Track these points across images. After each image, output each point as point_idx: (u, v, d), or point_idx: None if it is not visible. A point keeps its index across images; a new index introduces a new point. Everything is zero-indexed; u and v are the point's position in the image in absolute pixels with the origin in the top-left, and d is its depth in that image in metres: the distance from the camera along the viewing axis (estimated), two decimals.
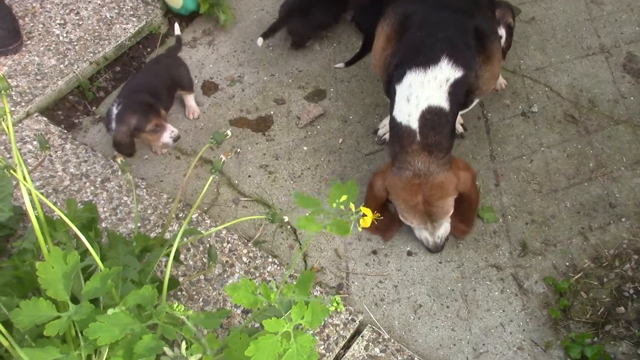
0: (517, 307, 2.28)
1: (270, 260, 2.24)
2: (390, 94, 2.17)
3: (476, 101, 2.27)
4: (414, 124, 2.05)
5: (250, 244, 2.29)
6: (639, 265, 2.36)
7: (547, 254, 2.40)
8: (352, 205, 1.23)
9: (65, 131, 2.58)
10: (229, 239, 2.28)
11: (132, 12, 2.93)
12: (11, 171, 1.47)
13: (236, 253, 2.24)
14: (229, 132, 1.85)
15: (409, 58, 2.10)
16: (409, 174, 2.08)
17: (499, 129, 2.71)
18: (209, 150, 2.59)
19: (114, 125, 2.34)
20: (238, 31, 2.99)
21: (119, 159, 1.97)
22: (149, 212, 2.32)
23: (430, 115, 2.04)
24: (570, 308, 2.27)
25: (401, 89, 2.09)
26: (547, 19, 3.07)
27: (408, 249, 2.40)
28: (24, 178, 1.48)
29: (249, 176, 2.55)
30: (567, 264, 2.38)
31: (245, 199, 2.50)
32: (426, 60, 2.05)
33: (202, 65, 2.89)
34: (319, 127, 2.71)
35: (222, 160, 1.83)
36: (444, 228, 2.28)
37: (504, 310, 2.28)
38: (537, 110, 2.75)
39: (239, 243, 2.27)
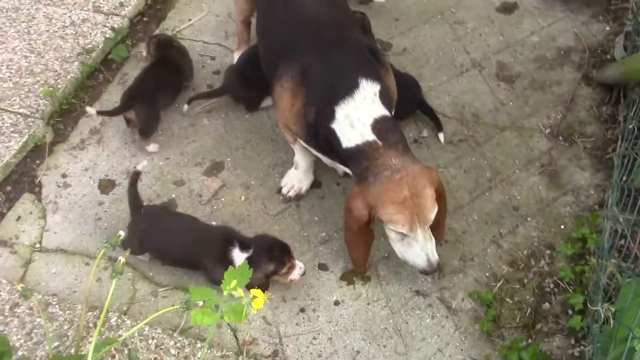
0: (450, 329, 2.32)
1: (199, 345, 2.20)
2: (322, 137, 2.23)
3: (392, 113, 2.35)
4: (370, 137, 2.14)
5: (176, 334, 2.25)
6: (553, 259, 2.45)
7: (467, 269, 2.46)
8: (240, 290, 1.24)
9: None
10: (153, 334, 2.23)
11: (12, 129, 2.88)
12: None
13: (163, 347, 2.19)
14: (121, 233, 1.83)
15: (330, 97, 2.19)
16: (388, 173, 2.10)
17: None
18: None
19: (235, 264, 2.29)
20: (125, 124, 2.97)
21: (20, 285, 1.90)
22: (65, 327, 2.25)
23: (380, 124, 2.16)
24: (499, 317, 2.33)
25: (339, 124, 2.17)
26: (417, 47, 3.21)
27: (334, 298, 2.41)
28: None
29: (163, 265, 2.52)
30: (487, 274, 2.44)
31: (164, 288, 2.45)
32: (348, 89, 2.17)
33: (95, 164, 2.84)
34: (223, 199, 2.71)
35: (122, 262, 1.80)
36: (433, 241, 2.22)
37: (438, 336, 2.30)
38: (427, 134, 2.85)
39: (164, 336, 2.22)
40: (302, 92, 2.27)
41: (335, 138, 2.20)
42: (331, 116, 2.19)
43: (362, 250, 2.37)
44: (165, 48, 3.01)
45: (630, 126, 2.58)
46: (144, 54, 3.13)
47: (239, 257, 2.31)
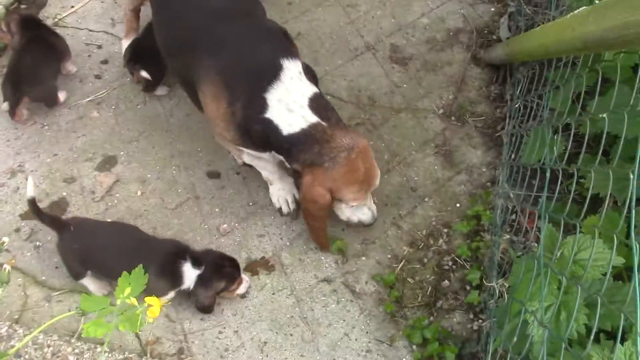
0: (355, 313, 2.35)
1: (99, 349, 2.11)
2: (256, 131, 2.14)
3: None
4: (313, 118, 2.10)
5: (74, 340, 2.14)
6: (450, 237, 2.53)
7: (369, 252, 2.49)
8: (133, 300, 1.18)
9: None
10: (49, 342, 2.12)
11: None
12: None
13: (60, 355, 2.09)
14: (5, 239, 1.72)
15: (256, 86, 2.10)
16: (345, 154, 2.10)
17: None
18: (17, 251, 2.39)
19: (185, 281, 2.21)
20: (4, 118, 2.78)
21: None
22: None
23: (315, 102, 2.13)
24: (402, 297, 2.38)
25: (274, 112, 2.10)
26: (312, 31, 3.20)
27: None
28: None
29: (57, 267, 2.39)
30: (389, 256, 2.49)
31: (58, 292, 2.34)
32: (273, 73, 2.10)
33: None
34: (117, 195, 2.60)
35: (7, 270, 1.68)
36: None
37: (344, 320, 2.33)
38: None
39: (61, 343, 2.12)
40: (224, 92, 2.14)
41: (272, 128, 2.11)
42: (263, 105, 2.09)
43: (324, 230, 2.39)
44: (33, 27, 2.82)
45: (516, 105, 2.68)
46: None
47: (190, 273, 2.20)
